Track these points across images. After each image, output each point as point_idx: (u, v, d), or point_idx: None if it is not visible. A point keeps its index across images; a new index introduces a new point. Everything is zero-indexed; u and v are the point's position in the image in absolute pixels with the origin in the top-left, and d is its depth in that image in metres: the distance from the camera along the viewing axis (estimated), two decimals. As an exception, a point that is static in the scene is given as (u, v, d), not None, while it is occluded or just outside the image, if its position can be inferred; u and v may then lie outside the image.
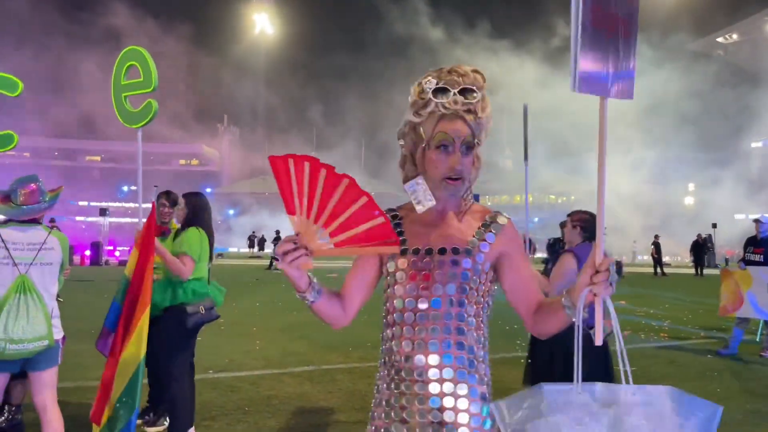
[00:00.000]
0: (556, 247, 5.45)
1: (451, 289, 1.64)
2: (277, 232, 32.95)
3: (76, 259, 29.86)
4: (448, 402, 1.60)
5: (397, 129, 1.76)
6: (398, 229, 1.73)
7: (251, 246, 41.37)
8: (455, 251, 1.66)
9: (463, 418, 1.61)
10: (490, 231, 1.71)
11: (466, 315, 1.66)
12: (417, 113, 1.67)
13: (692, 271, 29.34)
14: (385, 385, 1.70)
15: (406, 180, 1.74)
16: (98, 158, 79.71)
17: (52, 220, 27.38)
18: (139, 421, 4.70)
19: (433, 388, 1.60)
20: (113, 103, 5.18)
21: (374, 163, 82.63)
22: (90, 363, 6.57)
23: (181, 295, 4.29)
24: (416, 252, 1.68)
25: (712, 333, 10.16)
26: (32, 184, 3.63)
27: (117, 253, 32.57)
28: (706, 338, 9.66)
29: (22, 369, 3.58)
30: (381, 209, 1.53)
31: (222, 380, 6.21)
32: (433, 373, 1.61)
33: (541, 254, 31.19)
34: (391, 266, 1.70)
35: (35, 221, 3.63)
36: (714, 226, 37.07)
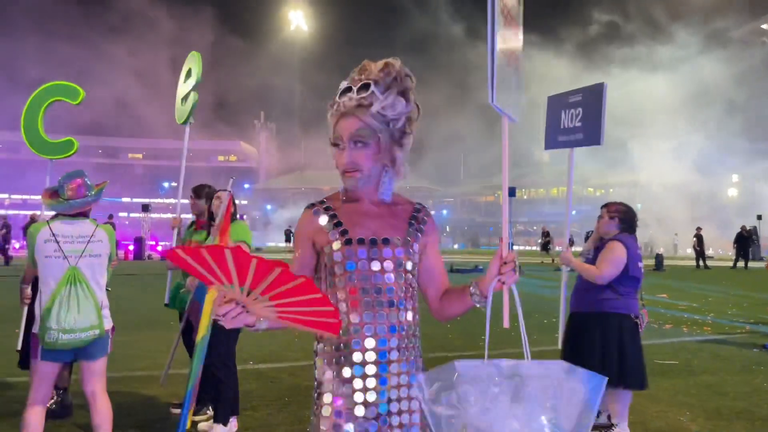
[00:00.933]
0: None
1: (390, 279, 1.73)
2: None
3: (120, 253, 30.68)
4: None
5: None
6: (335, 220, 1.77)
7: (288, 240, 41.85)
8: (396, 242, 1.76)
9: (412, 393, 1.72)
10: (420, 223, 1.84)
11: (408, 309, 1.77)
12: (331, 115, 1.77)
13: (737, 264, 28.51)
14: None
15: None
16: (140, 156, 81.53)
17: (110, 217, 28.18)
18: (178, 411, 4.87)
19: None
20: (176, 105, 5.63)
21: (408, 157, 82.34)
22: (136, 353, 6.79)
23: None
24: (361, 242, 1.74)
25: (758, 327, 9.90)
26: (78, 179, 3.76)
27: (159, 248, 33.31)
28: (752, 332, 9.43)
29: (74, 358, 3.73)
30: (318, 289, 1.46)
31: (263, 371, 6.34)
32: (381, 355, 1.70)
33: (579, 248, 30.82)
34: (338, 257, 1.73)
35: (83, 215, 3.77)
36: (759, 217, 35.95)
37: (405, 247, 1.77)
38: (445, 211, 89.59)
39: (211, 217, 4.69)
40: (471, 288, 1.78)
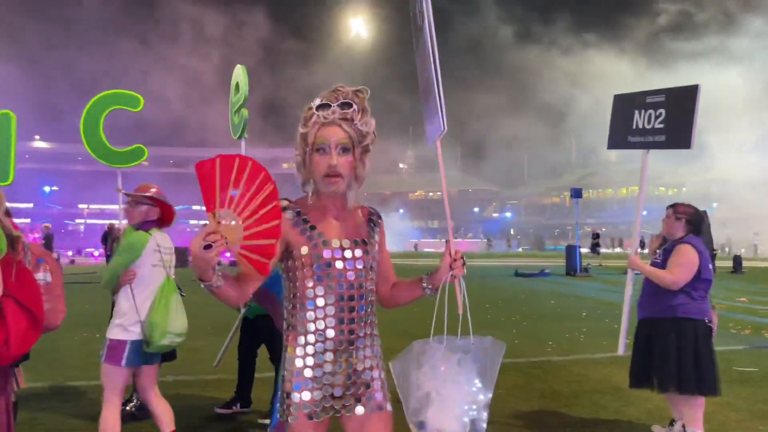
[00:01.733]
0: (666, 242, 5.19)
1: (363, 276, 2.01)
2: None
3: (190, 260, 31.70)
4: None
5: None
6: (309, 223, 2.01)
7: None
8: (364, 242, 2.04)
9: (375, 375, 2.04)
10: (376, 225, 2.13)
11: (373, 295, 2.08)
12: (305, 125, 1.98)
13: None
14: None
15: (303, 183, 2.05)
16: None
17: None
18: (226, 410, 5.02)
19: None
20: (230, 120, 5.70)
21: (469, 160, 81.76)
22: (206, 358, 6.98)
23: None
24: (337, 243, 2.00)
25: None
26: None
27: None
28: (841, 338, 8.85)
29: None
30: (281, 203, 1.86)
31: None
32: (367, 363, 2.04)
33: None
34: (314, 257, 1.97)
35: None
36: None
37: (369, 247, 2.04)
38: (508, 214, 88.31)
39: None
40: (423, 282, 2.13)
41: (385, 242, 2.18)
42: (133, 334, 3.68)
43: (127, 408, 4.84)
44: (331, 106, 1.95)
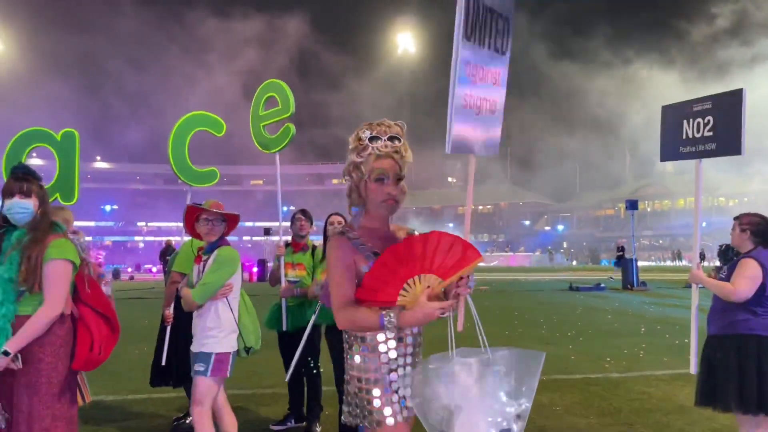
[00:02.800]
0: (728, 254, 4.99)
1: None
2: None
3: (245, 275, 32.29)
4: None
5: (343, 168, 2.30)
6: (365, 245, 2.24)
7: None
8: None
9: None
10: None
11: None
12: (359, 155, 2.22)
13: None
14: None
15: (351, 205, 2.32)
16: (261, 182, 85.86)
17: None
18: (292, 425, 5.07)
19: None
20: (251, 133, 5.65)
21: (519, 172, 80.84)
22: (263, 370, 7.08)
23: None
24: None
25: None
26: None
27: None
28: None
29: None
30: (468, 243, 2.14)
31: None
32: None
33: (706, 263, 28.65)
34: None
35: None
36: None
37: None
38: (560, 227, 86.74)
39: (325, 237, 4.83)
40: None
41: None
42: (234, 344, 3.83)
43: (187, 422, 4.94)
44: (381, 139, 2.20)
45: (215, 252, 3.83)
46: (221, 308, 3.79)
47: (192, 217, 3.95)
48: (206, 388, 3.68)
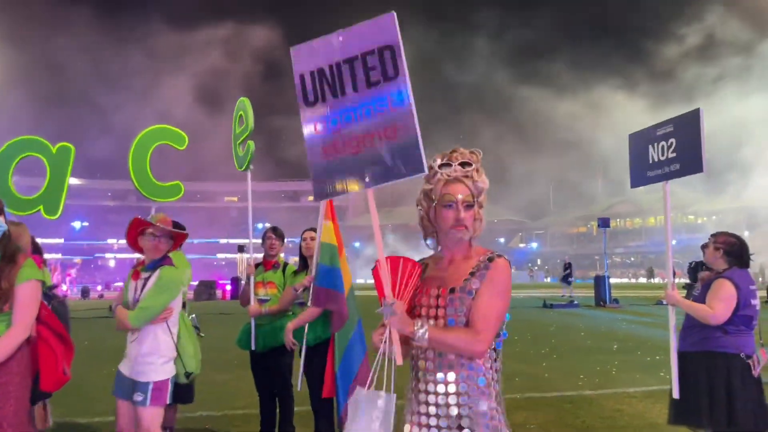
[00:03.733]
0: (698, 271, 5.05)
1: (451, 320, 2.12)
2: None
3: (218, 293, 31.90)
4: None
5: (416, 198, 2.27)
6: (424, 275, 2.25)
7: (377, 277, 42.13)
8: (452, 291, 2.13)
9: (456, 400, 2.11)
10: (482, 269, 2.14)
11: None
12: (428, 182, 2.20)
13: None
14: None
15: (426, 236, 2.28)
16: (235, 198, 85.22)
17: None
18: None
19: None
20: (233, 151, 5.68)
21: (494, 190, 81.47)
22: (235, 391, 6.97)
23: (325, 327, 4.42)
24: (425, 293, 2.20)
25: None
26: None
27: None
28: None
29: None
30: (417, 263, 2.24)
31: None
32: (440, 377, 2.13)
33: (682, 279, 29.08)
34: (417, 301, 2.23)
35: None
36: None
37: (459, 294, 2.12)
38: (534, 245, 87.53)
39: (304, 259, 4.75)
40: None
41: (489, 288, 2.12)
42: (173, 369, 3.68)
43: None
44: (452, 165, 2.16)
45: (158, 272, 3.65)
46: (160, 333, 3.62)
47: (136, 230, 3.76)
48: (150, 417, 3.55)
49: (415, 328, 2.05)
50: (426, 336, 2.04)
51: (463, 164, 2.16)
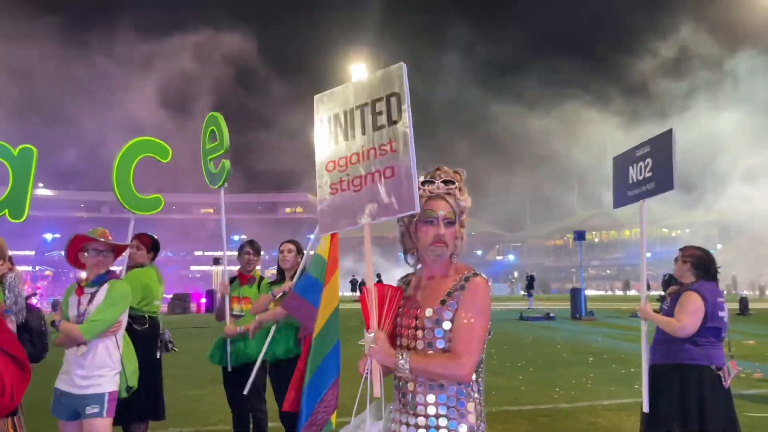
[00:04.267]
0: (671, 283, 5.13)
1: (430, 344, 2.10)
2: (378, 275, 33.23)
3: (193, 306, 31.50)
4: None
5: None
6: (406, 293, 2.26)
7: (353, 289, 41.93)
8: (427, 311, 2.12)
9: (446, 423, 2.10)
10: (458, 290, 2.13)
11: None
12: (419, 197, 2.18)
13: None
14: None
15: (406, 252, 2.29)
16: (211, 210, 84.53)
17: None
18: None
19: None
20: (202, 166, 5.58)
21: (471, 203, 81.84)
22: (207, 408, 6.86)
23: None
24: (405, 314, 2.20)
25: None
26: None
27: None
28: None
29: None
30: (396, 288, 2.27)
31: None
32: (430, 398, 2.12)
33: (656, 291, 29.45)
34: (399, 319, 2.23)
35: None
36: None
37: (436, 315, 2.11)
38: (511, 257, 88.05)
39: (281, 271, 4.71)
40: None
41: (467, 309, 2.09)
42: (118, 382, 3.66)
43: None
44: (434, 182, 2.20)
45: (107, 286, 3.64)
46: (110, 346, 3.62)
47: (76, 247, 3.73)
48: (105, 428, 3.52)
49: (396, 359, 2.06)
50: (407, 366, 2.04)
51: (446, 182, 2.20)
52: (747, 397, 7.36)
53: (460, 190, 2.21)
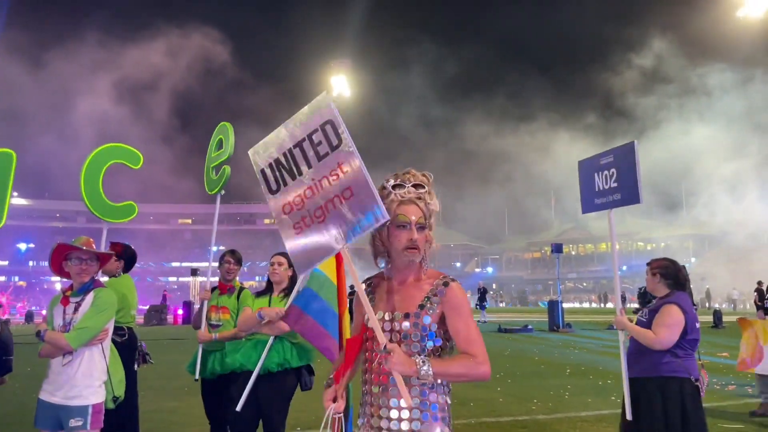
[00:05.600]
0: (647, 296, 5.20)
1: (406, 346, 2.15)
2: (351, 287, 33.09)
3: (170, 318, 31.09)
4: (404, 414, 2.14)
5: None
6: (370, 296, 2.30)
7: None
8: (406, 316, 2.18)
9: (409, 425, 2.14)
10: (436, 295, 2.19)
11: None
12: (390, 201, 2.20)
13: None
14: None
15: (376, 256, 2.30)
16: (189, 221, 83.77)
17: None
18: None
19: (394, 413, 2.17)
20: (204, 173, 5.61)
21: (450, 215, 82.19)
22: (186, 420, 6.77)
23: (297, 354, 4.31)
24: (380, 317, 2.21)
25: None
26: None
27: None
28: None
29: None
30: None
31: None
32: (393, 402, 2.15)
33: (634, 304, 29.78)
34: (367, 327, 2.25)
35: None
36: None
37: (414, 319, 2.17)
38: (490, 269, 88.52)
39: (270, 283, 4.56)
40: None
41: (458, 314, 2.18)
42: (105, 392, 3.60)
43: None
44: (405, 186, 2.22)
45: (92, 294, 3.61)
46: (96, 355, 3.57)
47: (60, 256, 3.69)
48: None
49: (417, 366, 2.03)
50: (431, 372, 2.03)
51: (416, 186, 2.22)
52: (721, 408, 7.47)
53: (429, 193, 2.24)
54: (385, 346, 2.05)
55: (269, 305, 4.37)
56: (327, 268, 4.09)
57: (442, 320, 2.18)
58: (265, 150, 2.61)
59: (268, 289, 4.57)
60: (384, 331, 2.17)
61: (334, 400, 2.24)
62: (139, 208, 5.25)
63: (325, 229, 2.37)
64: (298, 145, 2.46)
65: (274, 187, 2.56)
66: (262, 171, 2.59)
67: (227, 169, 5.39)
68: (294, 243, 2.49)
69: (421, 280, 2.24)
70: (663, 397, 3.93)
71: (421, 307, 2.17)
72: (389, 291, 2.26)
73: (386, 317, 2.20)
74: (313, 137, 2.41)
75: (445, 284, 2.20)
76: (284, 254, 4.52)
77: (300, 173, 2.46)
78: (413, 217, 2.18)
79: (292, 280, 4.45)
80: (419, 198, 2.21)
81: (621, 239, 76.61)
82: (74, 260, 3.63)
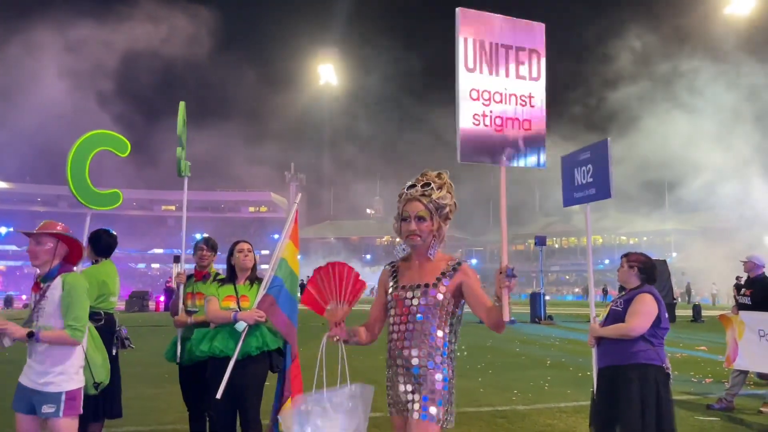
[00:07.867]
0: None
1: (422, 309, 2.69)
2: (302, 280, 33.02)
3: (152, 304, 30.93)
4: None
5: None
6: (396, 275, 2.84)
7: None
8: (426, 286, 2.70)
9: (432, 377, 2.67)
10: (450, 271, 2.72)
11: (433, 327, 2.70)
12: (399, 201, 2.76)
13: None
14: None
15: (398, 243, 2.86)
16: (173, 207, 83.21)
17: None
18: None
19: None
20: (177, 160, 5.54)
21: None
22: (165, 406, 6.75)
23: (272, 336, 4.28)
24: (404, 287, 2.77)
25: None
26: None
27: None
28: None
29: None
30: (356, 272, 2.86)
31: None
32: (414, 360, 2.69)
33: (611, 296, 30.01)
34: (390, 297, 2.80)
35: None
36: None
37: (429, 289, 2.69)
38: (474, 260, 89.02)
39: (233, 270, 4.47)
40: (494, 299, 2.66)
41: (471, 282, 2.71)
42: (83, 379, 3.54)
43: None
44: (415, 186, 2.71)
45: (59, 280, 3.45)
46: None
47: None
48: (66, 428, 3.39)
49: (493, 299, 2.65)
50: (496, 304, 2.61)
51: (424, 185, 2.67)
52: (698, 401, 7.59)
53: (440, 189, 2.68)
54: (511, 270, 2.54)
55: (235, 293, 4.30)
56: (290, 258, 4.27)
57: (454, 292, 2.69)
58: (476, 22, 2.65)
59: (232, 276, 4.44)
60: (406, 299, 2.70)
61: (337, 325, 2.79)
62: (123, 194, 5.19)
63: (499, 141, 2.62)
64: (506, 48, 2.62)
65: (470, 64, 2.65)
66: (465, 39, 2.65)
67: (180, 150, 5.30)
68: (468, 130, 2.69)
69: (437, 260, 2.73)
70: (641, 384, 4.04)
71: (438, 279, 2.68)
72: (411, 268, 2.78)
73: (410, 287, 2.72)
74: (520, 55, 2.62)
75: (459, 263, 2.73)
76: (247, 241, 4.48)
77: (497, 73, 2.62)
78: (413, 212, 2.66)
79: (254, 267, 4.45)
80: (423, 195, 2.65)
81: (604, 233, 77.33)
82: (31, 244, 3.50)
